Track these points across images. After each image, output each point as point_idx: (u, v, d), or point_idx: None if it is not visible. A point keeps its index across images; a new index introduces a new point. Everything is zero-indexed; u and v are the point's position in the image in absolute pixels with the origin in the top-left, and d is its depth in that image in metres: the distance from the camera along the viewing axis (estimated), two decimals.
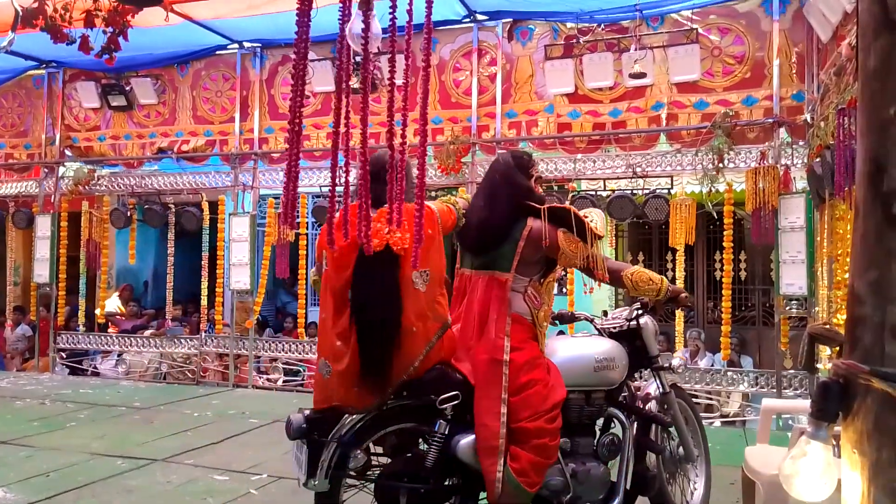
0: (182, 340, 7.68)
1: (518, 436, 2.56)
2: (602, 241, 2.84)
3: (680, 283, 6.53)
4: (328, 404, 2.56)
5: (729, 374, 5.83)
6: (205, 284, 7.75)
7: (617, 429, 2.94)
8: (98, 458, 4.31)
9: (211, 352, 7.46)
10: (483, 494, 2.63)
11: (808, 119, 5.40)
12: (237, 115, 7.27)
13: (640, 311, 3.10)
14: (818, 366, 5.21)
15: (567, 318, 3.29)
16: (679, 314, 6.65)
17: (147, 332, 8.27)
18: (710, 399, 6.10)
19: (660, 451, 3.05)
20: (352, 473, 2.58)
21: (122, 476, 3.98)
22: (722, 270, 6.10)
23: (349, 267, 2.49)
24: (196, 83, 7.51)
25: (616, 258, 9.15)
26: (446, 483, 2.65)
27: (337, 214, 2.12)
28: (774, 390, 5.49)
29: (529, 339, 2.69)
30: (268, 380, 7.45)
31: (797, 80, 5.58)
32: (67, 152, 8.03)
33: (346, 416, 2.50)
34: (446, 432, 2.58)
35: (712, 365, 6.71)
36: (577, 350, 2.91)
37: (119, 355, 8.00)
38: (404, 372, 2.52)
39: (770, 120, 5.59)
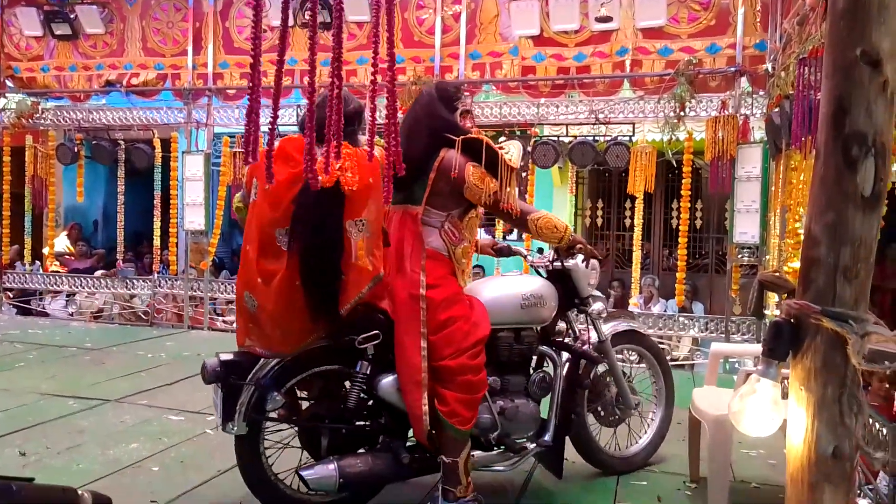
0: (135, 282, 7.53)
1: (442, 374, 2.53)
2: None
3: (638, 231, 6.63)
4: (252, 339, 2.50)
5: (680, 319, 5.98)
6: (157, 224, 7.55)
7: (549, 367, 3.00)
8: (48, 399, 4.23)
9: (165, 293, 7.33)
10: (411, 433, 2.63)
11: (770, 69, 5.43)
12: (190, 49, 6.97)
13: (557, 254, 3.08)
14: (766, 312, 5.39)
15: (505, 252, 3.30)
16: (636, 262, 6.75)
17: (98, 273, 8.07)
18: (662, 343, 6.27)
19: (585, 387, 3.08)
20: (274, 417, 2.56)
21: (73, 416, 3.92)
22: (679, 219, 6.19)
23: (285, 203, 2.38)
24: (146, 13, 7.14)
25: (576, 205, 9.23)
26: (371, 424, 2.66)
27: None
28: (723, 335, 5.66)
29: (447, 275, 2.63)
30: (224, 322, 7.38)
31: (761, 28, 5.58)
32: (8, 83, 7.61)
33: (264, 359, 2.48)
34: (368, 373, 2.57)
35: (665, 310, 6.88)
36: (503, 288, 2.88)
37: (69, 296, 7.80)
38: (330, 318, 2.46)
39: (732, 69, 5.60)
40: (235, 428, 2.47)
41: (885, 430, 2.07)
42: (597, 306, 3.23)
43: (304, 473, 2.48)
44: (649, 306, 7.15)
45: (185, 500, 2.85)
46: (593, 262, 3.14)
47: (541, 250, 3.42)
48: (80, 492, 1.75)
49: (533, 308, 2.87)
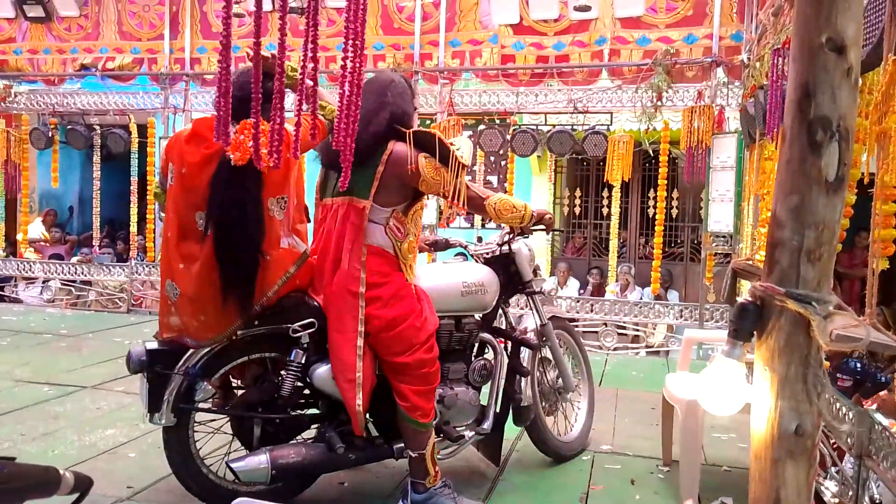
0: (111, 268, 7.45)
1: (398, 370, 2.51)
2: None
3: (615, 220, 6.70)
4: (175, 331, 2.46)
5: (656, 306, 6.06)
6: (134, 210, 7.47)
7: (489, 354, 3.01)
8: (22, 385, 4.20)
9: (142, 279, 7.27)
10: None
11: (745, 59, 5.49)
12: (167, 33, 6.87)
13: (510, 236, 3.10)
14: (739, 299, 5.48)
15: (441, 245, 3.30)
16: (613, 250, 6.83)
17: (74, 259, 7.97)
18: (637, 330, 6.35)
19: (526, 374, 3.04)
20: (203, 407, 2.52)
21: (48, 403, 3.89)
22: (655, 208, 6.26)
23: (201, 185, 2.33)
24: None
25: (554, 193, 9.28)
26: (305, 412, 2.65)
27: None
28: (697, 322, 5.75)
29: (393, 271, 2.56)
30: None
31: (737, 19, 5.63)
32: None
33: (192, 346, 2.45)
34: (303, 361, 2.53)
35: (641, 298, 6.96)
36: (443, 276, 2.87)
37: (44, 282, 7.70)
38: (258, 302, 2.43)
39: (709, 59, 5.65)
40: (163, 419, 2.42)
41: (850, 414, 2.13)
42: (548, 284, 3.25)
43: (234, 465, 2.41)
44: (625, 294, 7.24)
45: (163, 486, 2.85)
46: (531, 245, 3.16)
47: (479, 239, 3.39)
48: (61, 471, 1.75)
49: (474, 295, 2.86)
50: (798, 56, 1.30)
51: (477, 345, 2.95)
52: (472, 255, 3.18)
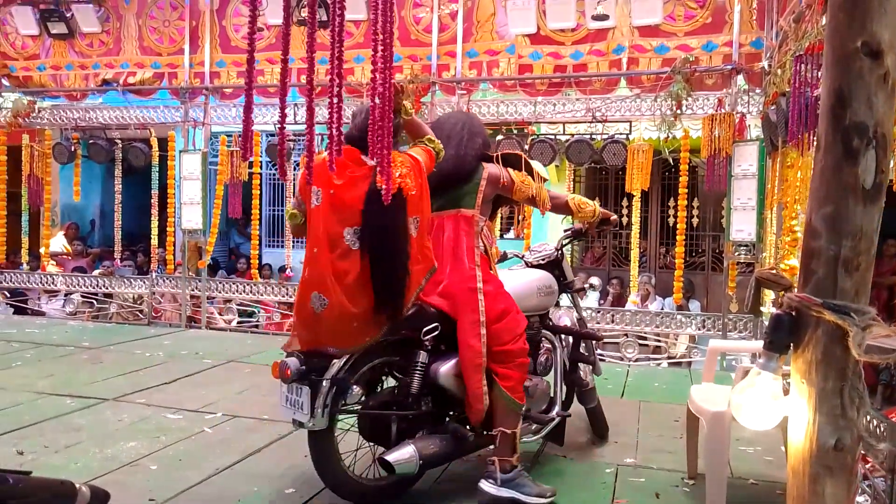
0: (132, 281, 7.51)
1: (504, 358, 2.82)
2: (546, 184, 3.27)
3: (635, 229, 6.65)
4: (317, 341, 2.66)
5: (678, 317, 5.99)
6: (155, 223, 7.53)
7: (546, 347, 3.33)
8: (45, 398, 4.22)
9: (163, 292, 7.32)
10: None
11: (766, 66, 5.44)
12: (186, 47, 6.95)
13: (569, 241, 3.65)
14: (763, 309, 5.40)
15: (501, 258, 3.60)
16: (634, 260, 6.76)
17: (96, 272, 8.05)
18: (659, 341, 6.28)
19: (591, 362, 3.52)
20: (352, 410, 2.76)
21: (70, 415, 3.91)
22: (675, 217, 6.19)
23: (351, 204, 2.60)
24: (142, 11, 7.12)
25: None
26: (433, 408, 2.88)
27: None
28: (720, 333, 5.67)
29: (491, 271, 2.97)
30: (224, 321, 7.37)
31: (757, 26, 5.59)
32: (5, 82, 7.58)
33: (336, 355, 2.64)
34: (426, 362, 2.80)
35: (662, 308, 6.89)
36: (524, 280, 3.28)
37: (66, 295, 7.78)
38: (400, 313, 2.68)
39: (728, 67, 5.61)
40: (317, 423, 2.59)
41: (881, 427, 2.08)
42: (594, 280, 4.17)
43: (388, 458, 2.62)
44: (646, 304, 7.16)
45: (184, 499, 2.84)
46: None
47: (505, 255, 3.75)
48: (77, 485, 1.75)
49: (546, 296, 3.32)
50: (831, 62, 1.27)
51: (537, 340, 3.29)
52: (527, 263, 3.56)
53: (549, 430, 3.24)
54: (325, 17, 5.57)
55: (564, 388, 3.35)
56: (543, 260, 3.51)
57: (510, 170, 3.07)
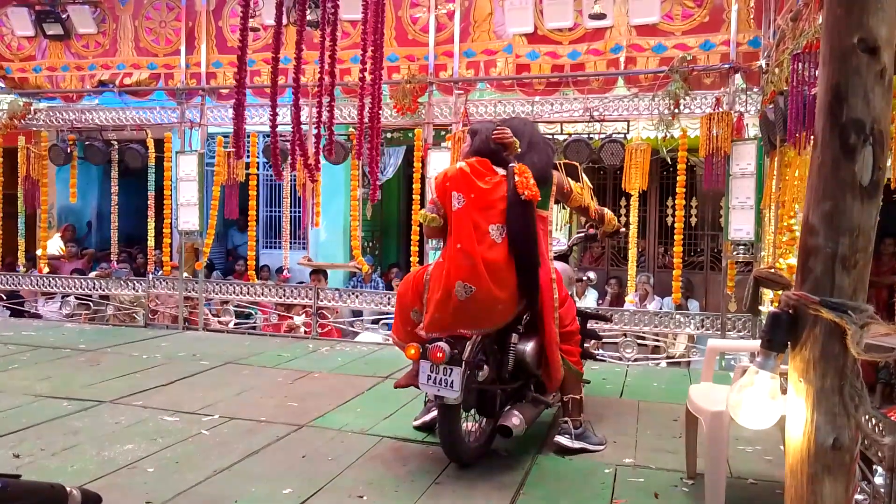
0: (129, 282, 7.49)
1: (567, 337, 3.41)
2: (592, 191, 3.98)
3: (633, 229, 6.64)
4: (457, 325, 3.08)
5: (676, 316, 5.98)
6: (151, 225, 7.51)
7: None
8: (42, 400, 4.20)
9: (159, 294, 7.30)
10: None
11: (763, 65, 5.43)
12: (183, 48, 6.93)
13: (580, 240, 4.36)
14: (761, 308, 5.39)
15: None
16: (632, 259, 6.75)
17: (92, 274, 8.03)
18: (658, 341, 6.27)
19: (600, 338, 4.44)
20: (485, 385, 3.17)
21: (67, 417, 3.89)
22: (674, 216, 6.18)
23: (493, 205, 3.13)
24: (138, 12, 7.10)
25: None
26: (523, 382, 3.42)
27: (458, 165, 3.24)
28: (719, 332, 5.66)
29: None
30: (219, 322, 7.35)
31: (754, 25, 5.58)
32: (0, 83, 7.57)
33: (468, 339, 3.07)
34: (517, 342, 3.29)
35: (661, 308, 6.88)
36: (562, 268, 3.78)
37: (64, 297, 7.76)
38: (537, 296, 3.23)
39: (726, 66, 5.60)
40: (458, 398, 2.96)
41: (881, 425, 2.07)
42: (590, 274, 4.68)
43: (507, 424, 3.15)
44: (645, 304, 7.15)
45: (181, 500, 2.82)
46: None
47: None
48: (68, 489, 1.73)
49: (571, 283, 3.99)
50: (828, 58, 1.26)
51: None
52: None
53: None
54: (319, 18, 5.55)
55: None
56: (562, 251, 4.14)
57: (570, 179, 3.61)
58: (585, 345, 4.16)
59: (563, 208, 7.85)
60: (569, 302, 3.50)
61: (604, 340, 6.12)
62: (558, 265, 3.82)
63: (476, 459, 3.21)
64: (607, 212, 3.91)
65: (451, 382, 2.96)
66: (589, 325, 4.23)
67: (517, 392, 3.45)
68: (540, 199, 3.27)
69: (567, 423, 3.45)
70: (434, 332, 3.11)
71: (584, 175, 4.13)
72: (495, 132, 3.28)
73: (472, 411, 3.32)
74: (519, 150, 3.32)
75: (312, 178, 2.17)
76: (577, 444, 3.41)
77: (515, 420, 3.18)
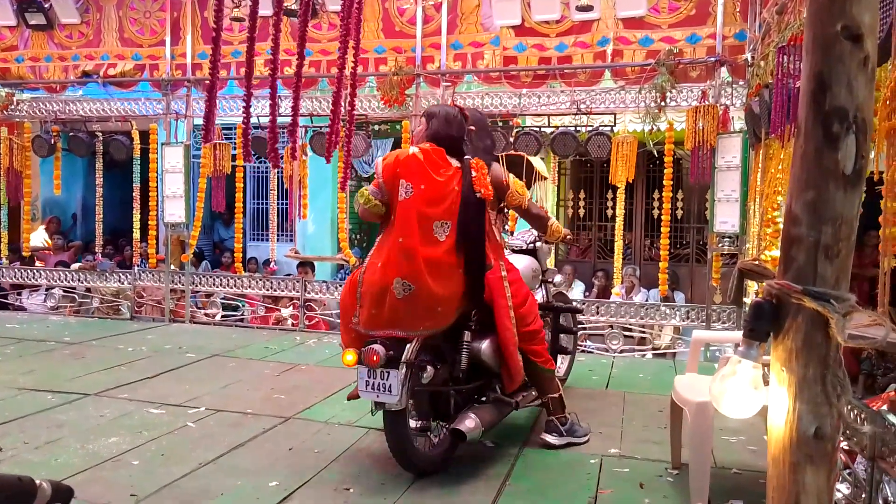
0: (114, 275, 7.42)
1: (530, 337, 3.22)
2: (546, 182, 3.51)
3: (620, 221, 6.66)
4: (394, 325, 2.87)
5: (662, 308, 6.01)
6: (137, 217, 7.45)
7: None
8: (26, 394, 4.17)
9: (145, 286, 7.24)
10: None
11: (749, 58, 5.45)
12: (168, 39, 6.86)
13: (539, 236, 3.99)
14: (746, 300, 5.43)
15: None
16: (618, 252, 6.78)
17: (75, 266, 7.95)
18: (644, 332, 6.30)
19: (575, 332, 4.29)
20: (428, 388, 3.00)
21: (52, 411, 3.86)
22: (660, 209, 6.21)
23: (442, 200, 2.94)
24: (122, 2, 7.00)
25: (558, 195, 9.25)
26: (480, 382, 3.23)
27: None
28: (704, 324, 5.69)
29: (507, 260, 3.31)
30: (206, 314, 7.31)
31: (740, 18, 5.60)
32: None
33: (410, 340, 2.86)
34: (470, 341, 3.10)
35: (647, 300, 6.91)
36: (522, 263, 3.69)
37: (48, 289, 7.68)
38: (482, 297, 3.06)
39: (712, 59, 5.61)
40: (402, 403, 2.79)
41: (862, 415, 2.08)
42: (557, 278, 4.36)
43: (460, 427, 2.94)
44: (631, 296, 7.19)
45: (166, 493, 2.81)
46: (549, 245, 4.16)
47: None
48: (38, 481, 1.70)
49: (534, 279, 3.82)
50: (812, 46, 1.26)
51: None
52: (511, 249, 3.98)
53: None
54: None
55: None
56: (522, 248, 3.98)
57: (511, 176, 3.29)
58: (562, 342, 4.12)
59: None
60: (530, 300, 3.32)
61: (590, 332, 6.16)
62: (520, 261, 3.70)
63: (437, 467, 3.02)
64: (553, 224, 3.58)
65: (390, 387, 2.77)
66: (564, 321, 4.16)
67: (478, 393, 3.28)
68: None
69: (553, 421, 3.38)
70: (372, 330, 2.92)
71: (539, 166, 3.89)
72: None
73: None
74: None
75: (276, 164, 2.15)
76: (563, 441, 3.37)
77: (469, 423, 2.98)
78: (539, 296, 4.02)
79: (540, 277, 3.99)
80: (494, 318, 3.13)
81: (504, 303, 3.14)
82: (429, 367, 2.91)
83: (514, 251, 3.97)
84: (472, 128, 3.26)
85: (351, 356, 2.83)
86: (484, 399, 3.28)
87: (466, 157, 3.07)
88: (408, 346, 2.84)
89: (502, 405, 3.26)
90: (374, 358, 2.76)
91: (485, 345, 3.14)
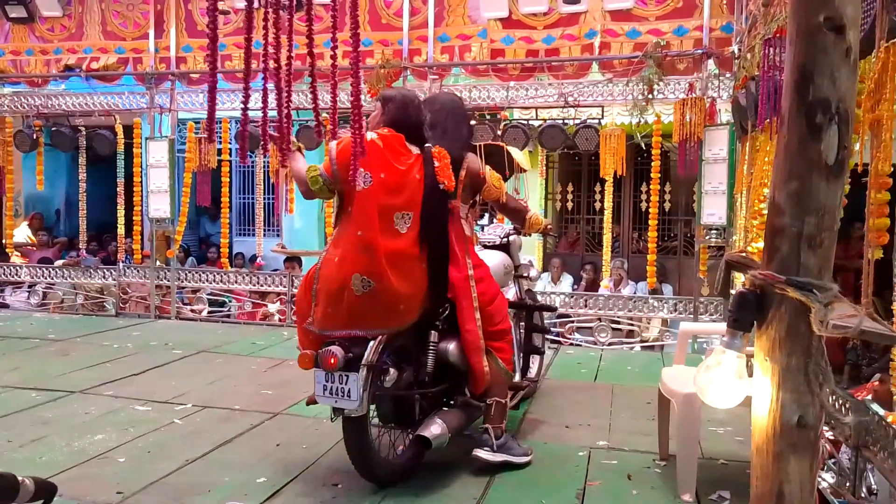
0: (98, 271, 7.36)
1: (497, 336, 3.04)
2: (527, 174, 3.42)
3: (608, 214, 6.67)
4: (353, 324, 2.68)
5: (650, 301, 6.03)
6: (121, 212, 7.38)
7: None
8: (11, 391, 4.12)
9: (130, 282, 7.18)
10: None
11: (736, 51, 5.47)
12: (151, 32, 6.78)
13: (513, 231, 3.92)
14: (733, 292, 5.46)
15: None
16: (606, 245, 6.80)
17: (58, 262, 7.87)
18: (632, 325, 6.33)
19: (546, 332, 4.14)
20: (390, 392, 2.81)
21: (37, 408, 3.82)
22: (648, 202, 6.22)
23: (403, 191, 2.76)
24: None
25: (546, 188, 9.26)
26: (447, 386, 3.03)
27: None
28: (692, 316, 5.72)
29: (477, 256, 3.16)
30: (192, 311, 7.27)
31: (727, 11, 5.61)
32: None
33: (370, 340, 2.67)
34: (437, 341, 2.94)
35: (635, 293, 6.93)
36: (494, 259, 3.58)
37: (31, 286, 7.61)
38: (445, 294, 2.92)
39: (699, 51, 5.62)
40: (362, 409, 2.61)
41: (847, 405, 2.10)
42: (532, 272, 4.19)
43: (425, 434, 2.76)
44: (619, 289, 7.21)
45: (153, 490, 2.79)
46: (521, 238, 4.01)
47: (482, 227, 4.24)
48: (20, 478, 1.67)
49: (506, 275, 3.71)
50: (796, 37, 1.26)
51: None
52: (483, 245, 3.84)
53: (519, 398, 3.63)
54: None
55: (521, 357, 3.79)
56: (495, 242, 3.86)
57: (488, 168, 3.21)
58: (535, 341, 3.96)
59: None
60: (499, 298, 3.12)
61: (579, 325, 6.17)
62: (492, 257, 3.56)
63: (401, 476, 2.85)
64: (532, 216, 3.53)
65: (349, 391, 2.58)
66: (542, 320, 4.04)
67: (445, 396, 3.07)
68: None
69: (487, 431, 3.00)
70: (328, 330, 2.73)
71: (518, 156, 3.90)
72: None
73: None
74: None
75: (284, 163, 2.06)
76: (498, 458, 2.99)
77: (435, 429, 2.78)
78: (511, 293, 3.86)
79: (513, 273, 3.87)
80: (457, 319, 2.96)
81: (469, 304, 2.95)
82: (392, 370, 2.71)
83: (485, 247, 3.80)
84: (446, 115, 3.13)
85: (307, 358, 2.66)
86: (452, 403, 3.07)
87: (427, 145, 2.90)
88: (369, 346, 2.65)
89: (471, 409, 3.04)
90: (332, 360, 2.58)
91: (452, 345, 2.96)
